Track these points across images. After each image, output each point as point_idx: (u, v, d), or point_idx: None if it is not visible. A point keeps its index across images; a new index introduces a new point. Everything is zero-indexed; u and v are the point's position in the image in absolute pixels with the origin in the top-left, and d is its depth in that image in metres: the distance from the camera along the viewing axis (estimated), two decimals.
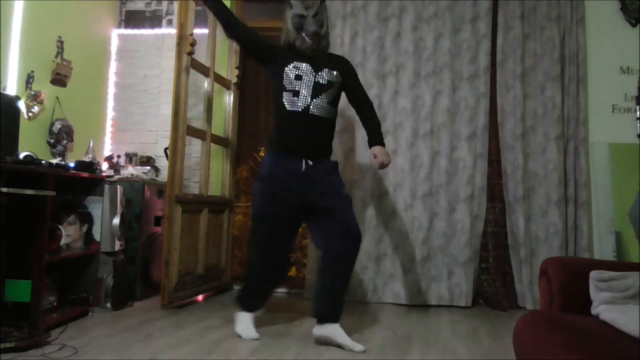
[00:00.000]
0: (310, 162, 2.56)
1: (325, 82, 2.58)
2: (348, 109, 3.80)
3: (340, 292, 2.54)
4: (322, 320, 2.51)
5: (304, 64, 2.59)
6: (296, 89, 2.55)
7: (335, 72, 2.62)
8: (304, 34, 2.57)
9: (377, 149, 2.64)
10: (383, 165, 2.64)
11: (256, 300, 2.71)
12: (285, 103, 2.57)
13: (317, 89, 2.56)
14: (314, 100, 2.55)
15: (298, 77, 2.56)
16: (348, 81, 2.69)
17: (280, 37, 2.69)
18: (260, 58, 2.75)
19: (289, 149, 2.56)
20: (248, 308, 2.68)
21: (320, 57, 2.63)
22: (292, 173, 2.54)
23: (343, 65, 2.70)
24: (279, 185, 2.55)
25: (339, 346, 2.47)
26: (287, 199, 2.54)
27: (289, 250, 2.83)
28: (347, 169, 3.79)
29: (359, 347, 2.44)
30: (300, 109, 2.54)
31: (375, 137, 2.69)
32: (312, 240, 2.95)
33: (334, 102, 2.63)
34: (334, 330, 2.49)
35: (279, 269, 2.73)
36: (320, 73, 2.58)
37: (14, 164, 2.43)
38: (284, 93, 2.58)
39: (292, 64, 2.59)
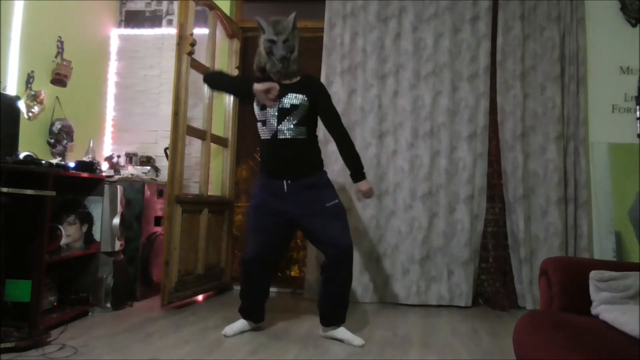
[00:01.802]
0: (289, 182, 2.63)
1: (289, 106, 2.61)
2: (344, 113, 3.85)
3: (340, 298, 2.66)
4: (326, 324, 2.69)
5: None
6: (263, 118, 2.65)
7: (300, 95, 2.63)
8: (274, 58, 2.63)
9: (363, 184, 2.74)
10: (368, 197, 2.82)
11: (252, 312, 2.80)
12: (260, 132, 2.70)
13: (282, 114, 2.61)
14: (280, 125, 2.61)
15: (263, 107, 2.63)
16: (316, 102, 2.68)
17: (254, 60, 2.77)
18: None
19: (269, 173, 2.69)
20: (247, 318, 2.80)
21: (287, 81, 2.66)
22: (275, 195, 2.65)
23: (310, 88, 2.69)
24: (264, 208, 2.67)
25: (341, 341, 2.63)
26: (272, 221, 2.66)
27: (276, 264, 2.98)
28: (347, 170, 3.76)
29: (358, 341, 2.59)
30: (269, 136, 2.65)
31: (358, 173, 2.75)
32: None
33: (303, 122, 2.64)
34: (336, 332, 2.67)
35: (265, 282, 2.82)
36: (283, 99, 2.61)
37: (14, 164, 2.43)
38: (257, 123, 2.70)
39: None
